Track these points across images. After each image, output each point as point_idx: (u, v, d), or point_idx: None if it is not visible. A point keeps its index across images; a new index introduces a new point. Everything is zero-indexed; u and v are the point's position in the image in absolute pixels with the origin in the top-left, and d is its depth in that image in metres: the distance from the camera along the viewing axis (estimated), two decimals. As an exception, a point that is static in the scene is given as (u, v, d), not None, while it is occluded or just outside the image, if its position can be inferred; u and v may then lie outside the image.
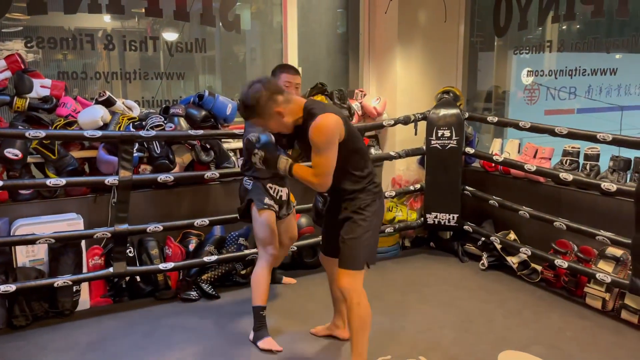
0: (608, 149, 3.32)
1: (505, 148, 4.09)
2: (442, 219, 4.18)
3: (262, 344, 2.86)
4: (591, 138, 3.17)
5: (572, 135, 3.30)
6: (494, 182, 4.14)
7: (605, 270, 3.22)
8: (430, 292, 3.61)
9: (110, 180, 3.19)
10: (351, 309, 2.45)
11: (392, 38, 4.37)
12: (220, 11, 3.98)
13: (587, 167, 3.56)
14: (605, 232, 3.16)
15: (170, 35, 3.99)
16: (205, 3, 3.91)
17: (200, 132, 3.43)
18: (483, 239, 4.04)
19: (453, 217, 4.14)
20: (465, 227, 4.12)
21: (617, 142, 3.06)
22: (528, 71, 4.33)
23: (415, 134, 4.18)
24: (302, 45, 4.35)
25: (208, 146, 3.72)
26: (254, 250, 3.66)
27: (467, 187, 4.14)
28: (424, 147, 4.20)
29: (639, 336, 2.99)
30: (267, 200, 2.94)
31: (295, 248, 3.78)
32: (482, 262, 4.01)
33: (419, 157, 4.41)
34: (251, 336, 2.95)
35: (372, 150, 4.45)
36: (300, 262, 4.00)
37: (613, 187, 3.09)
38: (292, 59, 4.26)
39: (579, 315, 3.26)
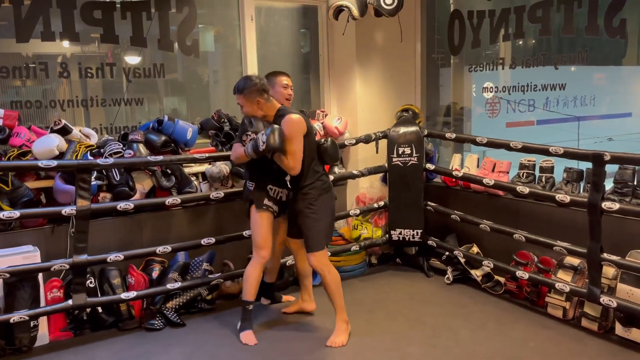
0: (563, 160, 3.43)
1: (465, 163, 4.19)
2: (407, 235, 4.22)
3: (242, 336, 3.20)
4: (544, 151, 3.27)
5: (526, 149, 3.40)
6: (456, 196, 4.22)
7: (564, 279, 3.31)
8: (397, 309, 3.63)
9: (67, 210, 3.12)
10: (325, 278, 3.12)
11: (350, 58, 4.45)
12: (178, 36, 3.97)
13: (543, 179, 3.67)
14: (562, 243, 3.25)
15: (133, 60, 3.96)
16: (163, 28, 3.90)
17: (160, 157, 3.40)
18: (447, 253, 4.09)
19: (417, 232, 4.19)
20: (430, 242, 4.18)
21: (569, 155, 3.16)
22: (483, 87, 4.46)
23: (377, 152, 4.23)
24: (262, 66, 4.37)
25: (169, 171, 3.69)
26: (220, 274, 3.62)
27: (429, 202, 4.21)
28: (386, 165, 4.26)
29: (599, 343, 3.07)
30: (266, 201, 3.17)
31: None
32: (447, 276, 4.06)
33: (381, 174, 4.46)
34: (238, 325, 3.29)
35: (336, 169, 4.47)
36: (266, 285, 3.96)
37: (567, 199, 3.18)
38: (253, 81, 4.27)
39: (542, 325, 3.32)
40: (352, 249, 4.18)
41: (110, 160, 3.25)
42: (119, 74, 3.89)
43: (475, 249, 4.03)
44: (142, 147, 3.53)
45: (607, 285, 3.15)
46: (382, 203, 4.33)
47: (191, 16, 3.97)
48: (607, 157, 2.95)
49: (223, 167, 3.83)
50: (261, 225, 3.16)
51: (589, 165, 3.06)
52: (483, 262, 3.76)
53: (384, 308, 3.65)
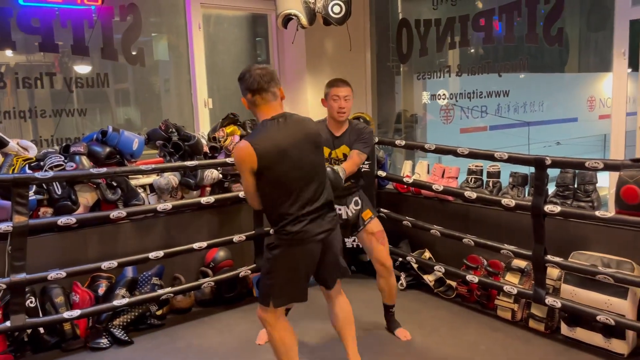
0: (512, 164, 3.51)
1: (416, 169, 4.23)
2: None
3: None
4: (490, 157, 3.34)
5: (473, 155, 3.46)
6: (407, 203, 4.25)
7: (512, 282, 3.38)
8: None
9: (2, 227, 2.96)
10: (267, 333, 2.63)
11: (301, 67, 4.44)
12: (122, 44, 3.87)
13: (490, 184, 3.75)
14: (509, 246, 3.32)
15: (78, 70, 3.84)
16: (106, 37, 3.79)
17: (104, 169, 3.29)
18: (400, 259, 4.12)
19: (371, 239, 4.20)
20: (383, 248, 4.19)
21: (512, 160, 3.24)
22: (432, 95, 4.53)
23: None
24: (212, 75, 4.32)
25: (114, 184, 3.57)
26: (169, 289, 3.52)
27: (382, 209, 4.23)
28: (339, 173, 4.25)
29: (546, 343, 3.14)
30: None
31: (213, 283, 3.68)
32: (400, 282, 4.08)
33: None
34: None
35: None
36: (219, 297, 3.89)
37: (512, 203, 3.26)
38: (201, 90, 4.22)
39: (492, 327, 3.38)
40: (306, 258, 4.14)
41: (50, 174, 3.11)
42: (61, 84, 3.76)
43: (427, 254, 4.07)
44: (84, 159, 3.41)
45: (552, 286, 3.23)
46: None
47: (136, 24, 3.88)
48: (548, 162, 3.03)
49: (171, 178, 3.74)
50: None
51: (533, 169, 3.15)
52: (435, 267, 3.80)
53: (338, 317, 3.62)
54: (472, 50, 4.19)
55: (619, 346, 2.92)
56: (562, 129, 6.50)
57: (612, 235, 3.06)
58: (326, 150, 2.96)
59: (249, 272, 3.81)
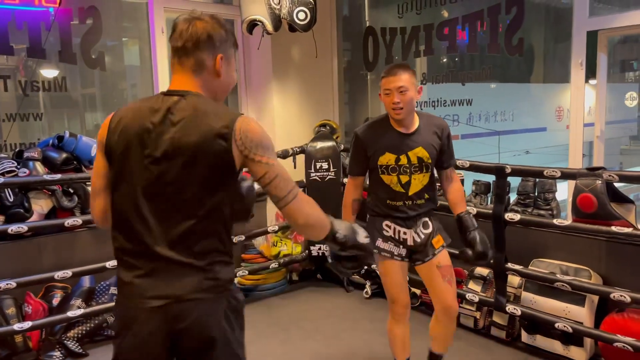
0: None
1: (382, 177, 4.22)
2: (326, 250, 4.19)
3: None
4: (452, 165, 3.34)
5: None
6: (373, 210, 4.24)
7: (474, 290, 3.38)
8: (314, 327, 3.57)
9: (-52, 235, 2.84)
10: None
11: (267, 74, 4.41)
12: (81, 48, 3.77)
13: (454, 192, 3.76)
14: (471, 254, 3.32)
15: (48, 73, 3.76)
16: (65, 39, 3.69)
17: (58, 176, 3.19)
18: (366, 267, 4.10)
19: (336, 247, 4.17)
20: (349, 256, 4.16)
21: (474, 168, 3.26)
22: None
23: (295, 167, 4.20)
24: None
25: (71, 191, 3.47)
26: (127, 299, 3.42)
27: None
28: (304, 180, 4.23)
29: (506, 352, 3.15)
30: (379, 242, 2.46)
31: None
32: (365, 290, 4.06)
33: (301, 189, 4.42)
34: None
35: (255, 185, 4.38)
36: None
37: (473, 210, 3.27)
38: (165, 96, 4.14)
39: (455, 335, 3.34)
40: (271, 267, 4.09)
41: (1, 180, 3.00)
42: (18, 87, 3.65)
43: (392, 262, 4.06)
44: (39, 165, 3.30)
45: (513, 294, 3.25)
46: (301, 219, 4.28)
47: (95, 28, 3.79)
48: (508, 170, 3.06)
49: (131, 185, 3.65)
50: (380, 272, 2.56)
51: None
52: (399, 275, 3.78)
53: (302, 327, 3.59)
54: (445, 60, 4.22)
55: (577, 353, 2.94)
56: (532, 138, 6.61)
57: (570, 243, 3.09)
58: (390, 157, 2.36)
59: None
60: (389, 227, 2.46)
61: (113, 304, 3.35)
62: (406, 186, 2.40)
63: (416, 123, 2.39)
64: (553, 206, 3.24)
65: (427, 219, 2.48)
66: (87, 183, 3.54)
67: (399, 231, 2.45)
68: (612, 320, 2.77)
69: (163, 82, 4.13)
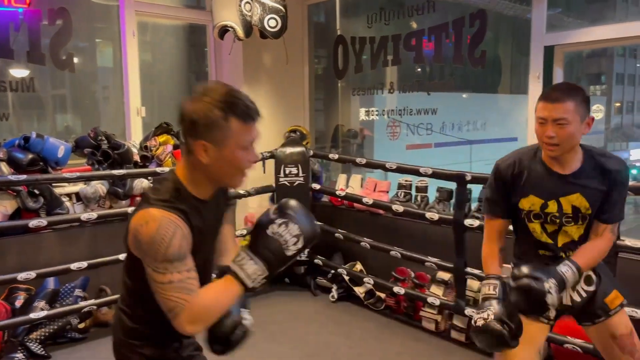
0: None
1: (350, 183, 4.31)
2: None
3: None
4: (415, 172, 3.44)
5: (400, 170, 3.57)
6: (341, 215, 4.31)
7: (436, 294, 3.48)
8: (280, 330, 3.62)
9: None
10: None
11: (238, 78, 4.45)
12: (50, 49, 3.76)
13: (419, 198, 3.86)
14: (432, 258, 3.42)
15: (17, 73, 3.76)
16: (33, 40, 3.67)
17: (23, 176, 3.17)
18: (332, 271, 4.17)
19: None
20: (316, 260, 4.23)
21: (436, 175, 3.36)
22: (365, 111, 4.65)
23: (264, 172, 4.24)
24: (146, 84, 4.27)
25: (36, 192, 3.44)
26: (92, 301, 3.41)
27: (316, 221, 4.26)
28: (274, 185, 4.28)
29: (466, 354, 3.24)
30: None
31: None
32: (332, 294, 4.12)
33: (271, 194, 4.47)
34: None
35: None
36: None
37: (435, 217, 3.37)
38: (134, 98, 4.15)
39: (416, 338, 3.46)
40: (238, 270, 4.11)
41: (-36, 180, 2.98)
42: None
43: (358, 266, 4.14)
44: (3, 166, 3.28)
45: (473, 297, 3.35)
46: (269, 223, 4.32)
47: (65, 29, 3.78)
48: (469, 177, 3.16)
49: (99, 187, 3.65)
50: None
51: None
52: (365, 279, 3.86)
53: (267, 329, 3.62)
54: (419, 69, 4.32)
55: (531, 355, 3.05)
56: (503, 147, 6.76)
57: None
58: (531, 200, 1.89)
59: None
60: None
61: (77, 306, 3.34)
62: (553, 236, 1.92)
63: (577, 161, 1.85)
64: (511, 213, 3.35)
65: (589, 272, 1.93)
66: (53, 184, 3.54)
67: None
68: (563, 323, 2.88)
69: (133, 86, 4.14)
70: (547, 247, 1.93)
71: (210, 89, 1.35)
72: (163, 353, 1.52)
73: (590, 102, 1.83)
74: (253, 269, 1.34)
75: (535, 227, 1.93)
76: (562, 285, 1.74)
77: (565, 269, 1.77)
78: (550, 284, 1.71)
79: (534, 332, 1.92)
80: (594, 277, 1.94)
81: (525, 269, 1.75)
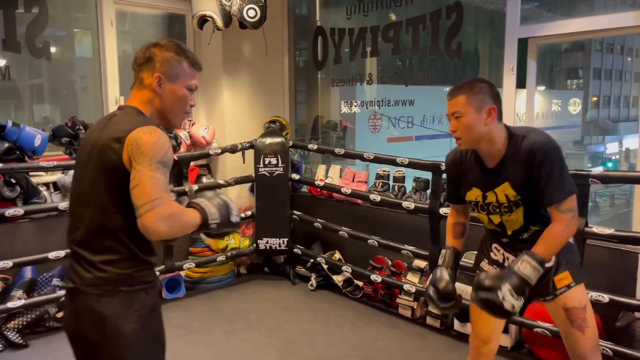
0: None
1: (329, 173, 4.35)
2: (273, 244, 4.28)
3: None
4: (392, 162, 3.50)
5: (378, 160, 3.62)
6: (320, 205, 4.36)
7: (412, 281, 3.54)
8: (258, 318, 3.66)
9: None
10: None
11: (217, 69, 4.45)
12: (26, 37, 3.73)
13: (396, 188, 3.92)
14: (408, 247, 3.48)
15: None
16: (9, 27, 3.63)
17: (-1, 165, 3.15)
18: (311, 260, 4.21)
19: (283, 241, 4.27)
20: (295, 250, 4.27)
21: (412, 165, 3.41)
22: (346, 102, 4.68)
23: (244, 162, 4.27)
24: (125, 74, 4.24)
25: (13, 181, 3.42)
26: (70, 290, 3.41)
27: (295, 211, 4.31)
28: (253, 175, 4.30)
29: (440, 339, 3.32)
30: (484, 264, 2.11)
31: None
32: (310, 282, 4.17)
33: (250, 184, 4.50)
34: None
35: (204, 179, 4.44)
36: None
37: (412, 206, 3.43)
38: (113, 87, 4.13)
39: (392, 325, 3.53)
40: (218, 260, 4.15)
41: (-62, 168, 2.95)
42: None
43: (337, 255, 4.19)
44: (-22, 155, 3.25)
45: (447, 284, 3.42)
46: (249, 213, 4.36)
47: (42, 17, 3.75)
48: (444, 167, 3.22)
49: (76, 177, 3.63)
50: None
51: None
52: (343, 268, 3.92)
53: (246, 318, 3.66)
54: (400, 63, 4.35)
55: (503, 340, 3.13)
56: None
57: (499, 236, 3.28)
58: (475, 193, 1.98)
59: (157, 273, 3.76)
60: (498, 250, 2.05)
61: (55, 295, 3.34)
62: (501, 226, 1.98)
63: (500, 153, 1.89)
64: (485, 202, 3.43)
65: None
66: (31, 174, 3.52)
67: (508, 258, 2.02)
68: (533, 307, 2.97)
69: (112, 75, 4.12)
70: (500, 235, 2.00)
71: (164, 39, 1.61)
72: (155, 296, 1.60)
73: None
74: (214, 212, 1.52)
75: (483, 217, 2.02)
76: (522, 284, 1.74)
77: (523, 266, 1.77)
78: (504, 291, 1.73)
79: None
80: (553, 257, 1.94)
81: (480, 280, 1.81)
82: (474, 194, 1.98)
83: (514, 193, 1.87)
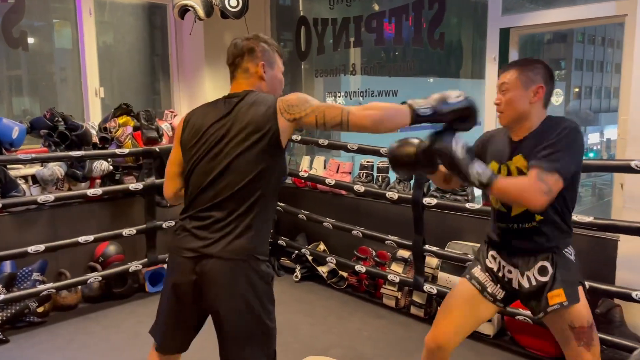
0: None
1: (313, 164, 4.34)
2: (258, 236, 4.26)
3: None
4: (376, 152, 3.49)
5: (361, 151, 3.61)
6: (304, 197, 4.35)
7: (396, 271, 3.56)
8: (243, 309, 3.64)
9: None
10: None
11: (199, 59, 4.41)
12: (2, 26, 3.64)
13: (380, 179, 3.92)
14: (392, 237, 3.49)
15: None
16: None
17: (-25, 158, 3.09)
18: (296, 251, 4.21)
19: (267, 233, 4.25)
20: (280, 241, 4.26)
21: (396, 155, 3.41)
22: (329, 93, 4.66)
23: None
24: (105, 64, 4.18)
25: (-10, 174, 3.36)
26: (51, 285, 3.36)
27: (279, 203, 4.29)
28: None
29: (424, 328, 3.33)
30: (475, 270, 2.02)
31: (101, 278, 3.56)
32: (295, 274, 4.17)
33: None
34: None
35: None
36: (108, 293, 3.78)
37: (395, 196, 3.43)
38: (92, 78, 4.06)
39: (377, 315, 3.54)
40: (202, 252, 4.12)
41: None
42: None
43: (322, 246, 4.19)
44: (-46, 147, 3.18)
45: (431, 274, 3.45)
46: (233, 205, 4.33)
47: (18, 6, 3.67)
48: (427, 157, 3.22)
49: (56, 169, 3.58)
50: (448, 294, 2.09)
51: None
52: (327, 259, 3.92)
53: (230, 309, 3.65)
54: (383, 55, 4.34)
55: (486, 328, 3.17)
56: (470, 131, 6.90)
57: (482, 225, 3.28)
58: (492, 167, 1.92)
59: (140, 266, 3.73)
60: (494, 258, 1.99)
61: (36, 289, 3.29)
62: (506, 205, 1.92)
63: (530, 128, 1.87)
64: (469, 192, 3.45)
65: (546, 263, 1.87)
66: (8, 166, 3.45)
67: (504, 267, 1.96)
68: (515, 296, 3.00)
69: (91, 66, 4.05)
70: (502, 217, 1.94)
71: (256, 34, 1.88)
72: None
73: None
74: (420, 102, 1.68)
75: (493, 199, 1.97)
76: (446, 151, 1.71)
77: (467, 156, 1.70)
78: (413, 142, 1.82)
79: (468, 298, 1.99)
80: (550, 269, 1.86)
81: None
82: (494, 166, 1.94)
83: (525, 164, 1.83)
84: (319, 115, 1.64)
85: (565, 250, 1.89)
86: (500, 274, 1.96)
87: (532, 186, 1.70)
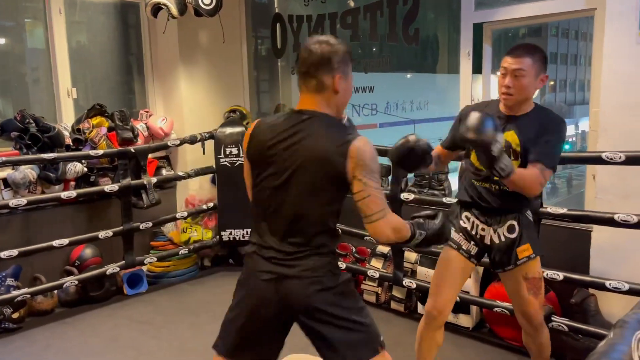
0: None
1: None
2: (237, 235, 4.24)
3: None
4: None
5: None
6: (283, 195, 4.33)
7: (376, 267, 3.57)
8: (223, 310, 3.54)
9: None
10: None
11: (174, 58, 4.36)
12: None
13: (358, 175, 3.92)
14: (371, 233, 3.50)
15: None
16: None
17: (-57, 163, 3.01)
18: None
19: (247, 232, 4.23)
20: (259, 240, 4.24)
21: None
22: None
23: (204, 153, 4.20)
24: (77, 64, 4.11)
25: (-40, 178, 3.28)
26: (25, 290, 3.30)
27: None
28: (214, 166, 4.24)
29: (404, 322, 3.36)
30: (453, 233, 2.24)
31: (77, 282, 3.51)
32: (276, 272, 4.15)
33: (211, 175, 4.43)
34: None
35: (164, 172, 4.35)
36: (85, 297, 3.72)
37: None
38: (64, 79, 3.99)
39: (357, 311, 3.55)
40: (180, 253, 4.08)
41: None
42: None
43: (302, 244, 4.18)
44: None
45: (410, 269, 3.47)
46: (211, 204, 4.30)
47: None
48: (404, 153, 3.24)
49: (28, 172, 3.51)
50: (437, 264, 2.30)
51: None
52: (307, 257, 3.91)
53: (210, 310, 3.62)
54: (360, 51, 4.33)
55: (465, 320, 3.20)
56: (445, 126, 6.91)
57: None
58: None
59: (118, 269, 3.68)
60: (468, 219, 2.23)
61: (10, 295, 3.22)
62: None
63: (525, 109, 2.08)
64: (445, 186, 3.48)
65: (514, 222, 2.16)
66: (-21, 170, 3.37)
67: (477, 225, 2.21)
68: (493, 289, 3.04)
69: (62, 66, 3.98)
70: (484, 177, 2.15)
71: (328, 36, 1.66)
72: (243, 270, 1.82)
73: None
74: (418, 234, 1.71)
75: (475, 155, 2.12)
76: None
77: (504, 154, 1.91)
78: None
79: (454, 261, 2.23)
80: (516, 227, 2.16)
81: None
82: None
83: (517, 141, 2.05)
84: (363, 192, 1.58)
85: (527, 212, 2.20)
86: (473, 232, 2.22)
87: (536, 180, 1.99)
